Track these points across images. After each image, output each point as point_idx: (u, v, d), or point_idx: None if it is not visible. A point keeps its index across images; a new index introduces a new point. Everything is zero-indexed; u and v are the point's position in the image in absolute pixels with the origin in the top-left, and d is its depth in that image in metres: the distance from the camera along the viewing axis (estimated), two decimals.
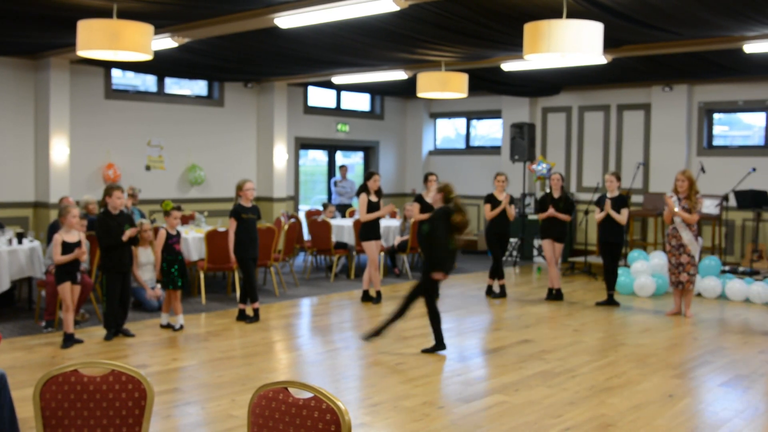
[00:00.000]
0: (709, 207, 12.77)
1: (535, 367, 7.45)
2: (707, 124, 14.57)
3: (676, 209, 9.65)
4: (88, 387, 3.32)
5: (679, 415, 6.08)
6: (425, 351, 8.02)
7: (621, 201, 10.44)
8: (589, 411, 6.13)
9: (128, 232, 8.22)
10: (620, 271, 11.41)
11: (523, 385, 6.83)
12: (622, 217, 10.39)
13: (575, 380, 7.03)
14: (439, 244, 7.79)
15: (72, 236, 8.01)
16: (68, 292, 7.98)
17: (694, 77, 13.86)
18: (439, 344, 8.03)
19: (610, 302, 10.77)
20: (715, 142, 14.68)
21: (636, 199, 14.62)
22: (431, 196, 8.00)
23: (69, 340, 8.01)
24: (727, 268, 12.32)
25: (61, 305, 8.25)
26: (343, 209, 15.69)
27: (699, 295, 11.50)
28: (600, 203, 10.60)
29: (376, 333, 8.17)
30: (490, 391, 6.70)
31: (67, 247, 7.92)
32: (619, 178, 10.61)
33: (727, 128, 15.03)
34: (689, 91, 14.45)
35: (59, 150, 12.44)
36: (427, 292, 8.01)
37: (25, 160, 12.61)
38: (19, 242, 9.27)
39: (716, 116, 14.69)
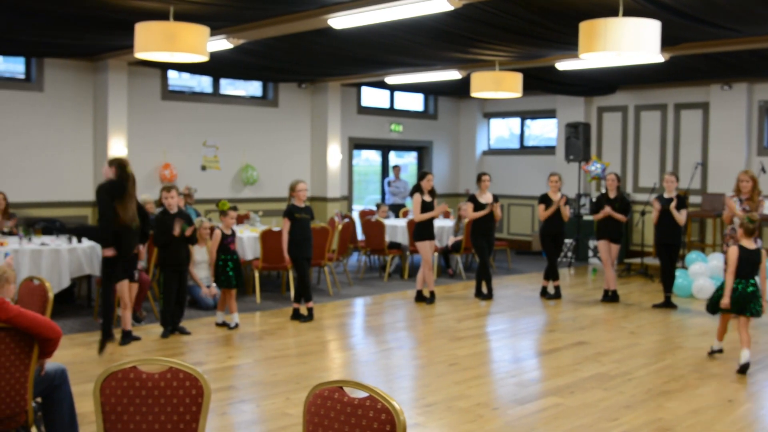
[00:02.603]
0: None
1: (591, 370, 7.36)
2: None
3: (738, 211, 9.44)
4: (146, 383, 3.38)
5: (738, 421, 5.96)
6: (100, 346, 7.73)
7: (679, 201, 10.26)
8: (645, 415, 6.04)
9: (178, 227, 8.32)
10: (678, 272, 11.21)
11: (579, 388, 6.76)
12: (681, 217, 10.22)
13: (632, 383, 6.92)
14: (104, 220, 7.69)
15: None
16: (126, 289, 8.13)
17: (754, 75, 13.54)
18: (106, 334, 7.77)
19: (668, 304, 10.59)
20: None
21: (694, 199, 14.34)
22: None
23: (127, 337, 8.16)
24: None
25: (119, 303, 8.40)
26: (396, 209, 15.70)
27: None
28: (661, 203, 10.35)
29: (105, 338, 7.80)
30: (544, 393, 6.64)
31: None
32: (678, 179, 10.43)
33: None
34: (749, 90, 14.13)
35: (117, 150, 12.65)
36: (105, 273, 7.93)
37: (84, 160, 12.87)
38: (79, 241, 9.48)
39: None
